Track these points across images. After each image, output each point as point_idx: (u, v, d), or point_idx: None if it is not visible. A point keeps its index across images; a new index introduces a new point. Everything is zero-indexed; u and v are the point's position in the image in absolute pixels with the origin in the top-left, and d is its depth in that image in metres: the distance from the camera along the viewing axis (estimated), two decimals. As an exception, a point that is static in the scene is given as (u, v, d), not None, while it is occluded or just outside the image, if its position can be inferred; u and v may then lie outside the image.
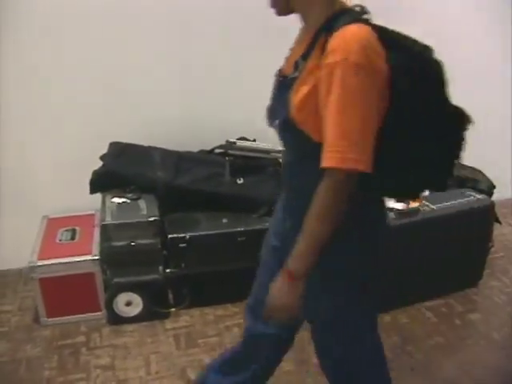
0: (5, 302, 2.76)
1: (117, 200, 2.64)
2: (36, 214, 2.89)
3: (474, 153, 3.27)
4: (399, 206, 2.69)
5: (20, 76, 2.74)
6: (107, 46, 2.81)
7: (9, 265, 2.95)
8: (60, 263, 2.48)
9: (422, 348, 2.44)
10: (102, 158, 2.69)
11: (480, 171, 3.25)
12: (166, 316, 2.64)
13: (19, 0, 2.62)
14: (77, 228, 2.77)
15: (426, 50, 1.29)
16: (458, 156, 1.38)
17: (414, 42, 1.29)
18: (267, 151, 2.86)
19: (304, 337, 2.51)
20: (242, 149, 2.83)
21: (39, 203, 2.93)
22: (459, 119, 1.35)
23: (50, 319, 2.55)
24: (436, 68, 1.29)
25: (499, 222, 3.18)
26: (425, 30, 3.23)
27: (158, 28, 2.85)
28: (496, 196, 3.18)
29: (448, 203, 2.73)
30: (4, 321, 2.61)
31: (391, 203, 2.71)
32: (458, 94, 3.40)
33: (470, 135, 3.43)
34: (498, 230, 3.22)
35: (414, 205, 2.69)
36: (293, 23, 1.41)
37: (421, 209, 2.68)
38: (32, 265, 2.46)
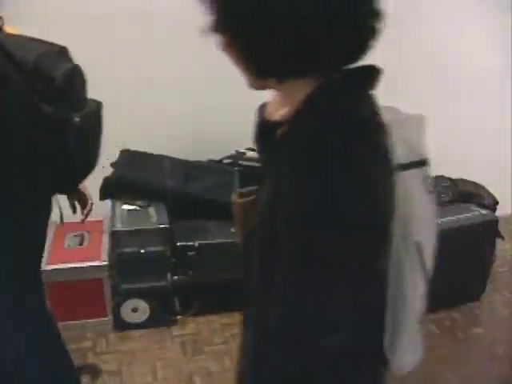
0: (11, 305, 2.77)
1: (127, 207, 2.66)
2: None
3: (476, 167, 3.38)
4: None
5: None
6: (115, 57, 2.84)
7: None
8: (68, 268, 2.50)
9: (426, 360, 2.46)
10: (113, 165, 2.72)
11: (483, 187, 3.30)
12: (173, 323, 2.65)
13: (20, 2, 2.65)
14: (85, 234, 2.79)
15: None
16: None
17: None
18: (275, 162, 2.90)
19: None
20: (250, 159, 2.87)
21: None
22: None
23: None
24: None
25: (502, 238, 3.22)
26: (423, 51, 3.33)
27: (165, 39, 2.89)
28: (499, 212, 3.23)
29: (453, 217, 2.77)
30: (11, 324, 2.62)
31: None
32: (459, 110, 3.40)
33: (472, 150, 3.42)
34: (500, 245, 3.24)
35: (419, 218, 2.73)
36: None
37: (426, 222, 2.71)
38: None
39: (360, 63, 0.82)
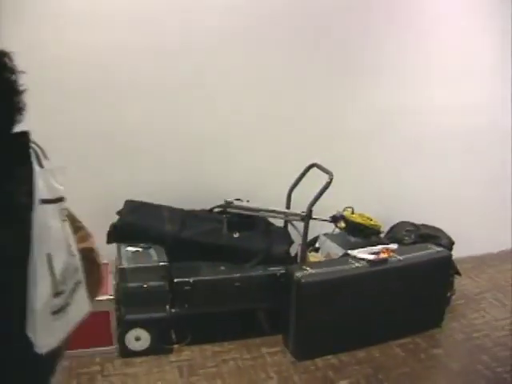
0: (27, 339, 3.11)
1: (131, 249, 3.08)
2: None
3: (436, 214, 3.85)
4: (371, 256, 3.16)
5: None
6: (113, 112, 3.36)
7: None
8: (81, 302, 2.88)
9: (392, 376, 2.85)
10: (119, 213, 3.16)
11: (441, 230, 3.77)
12: (170, 351, 3.01)
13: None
14: (93, 274, 3.18)
15: None
16: None
17: None
18: (259, 210, 3.35)
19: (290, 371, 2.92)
20: (237, 208, 3.32)
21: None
22: None
23: (68, 351, 2.90)
24: None
25: (459, 274, 3.67)
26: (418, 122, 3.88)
27: (155, 101, 3.42)
28: (459, 253, 3.70)
29: (411, 255, 3.22)
30: (28, 354, 2.96)
31: (363, 254, 3.19)
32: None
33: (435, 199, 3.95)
34: (459, 281, 3.71)
35: (383, 255, 3.16)
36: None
37: (389, 259, 3.15)
38: (57, 303, 2.85)
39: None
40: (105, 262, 3.29)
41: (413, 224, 3.83)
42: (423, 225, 3.85)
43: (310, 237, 3.35)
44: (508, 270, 4.21)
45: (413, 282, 3.18)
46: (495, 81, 4.21)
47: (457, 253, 3.64)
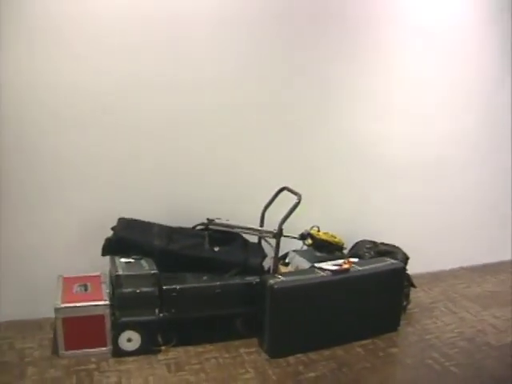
0: (26, 341, 3.43)
1: (124, 260, 3.45)
2: (49, 275, 3.61)
3: (395, 234, 4.34)
4: (334, 267, 3.59)
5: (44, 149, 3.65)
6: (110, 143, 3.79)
7: (27, 315, 3.64)
8: (79, 306, 3.23)
9: (354, 370, 3.26)
10: (113, 228, 3.54)
11: (398, 247, 4.25)
12: (158, 352, 3.36)
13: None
14: (88, 283, 3.53)
15: None
16: None
17: None
18: (236, 227, 3.77)
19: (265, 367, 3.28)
20: (218, 225, 3.74)
21: (53, 265, 3.67)
22: None
23: (66, 352, 3.23)
24: None
25: (414, 286, 4.15)
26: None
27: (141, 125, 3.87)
28: (416, 269, 4.21)
29: (368, 267, 3.68)
30: (28, 353, 3.28)
31: (327, 265, 3.62)
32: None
33: (395, 220, 4.58)
34: (414, 293, 4.20)
35: (345, 266, 3.61)
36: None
37: (350, 269, 3.60)
38: (57, 307, 3.20)
39: None
40: (97, 273, 3.69)
41: (373, 242, 4.31)
42: (382, 243, 4.32)
43: (280, 253, 3.77)
44: (458, 284, 4.76)
45: (371, 290, 3.62)
46: (459, 116, 4.89)
47: (414, 269, 4.15)
